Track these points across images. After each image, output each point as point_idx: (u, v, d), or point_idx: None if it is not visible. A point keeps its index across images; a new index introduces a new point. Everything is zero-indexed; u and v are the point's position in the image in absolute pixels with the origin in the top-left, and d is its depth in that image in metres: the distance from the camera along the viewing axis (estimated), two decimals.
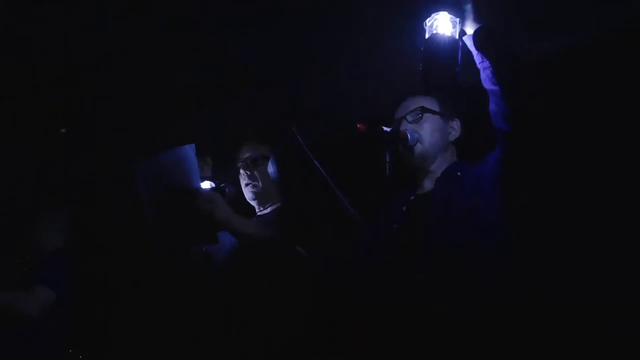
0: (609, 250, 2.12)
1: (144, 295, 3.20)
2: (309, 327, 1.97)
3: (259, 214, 2.25)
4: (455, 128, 1.90)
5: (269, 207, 2.22)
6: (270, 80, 2.87)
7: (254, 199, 2.23)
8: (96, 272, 3.11)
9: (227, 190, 2.14)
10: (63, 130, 2.93)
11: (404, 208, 1.82)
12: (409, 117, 1.87)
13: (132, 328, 3.27)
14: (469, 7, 1.65)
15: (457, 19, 1.68)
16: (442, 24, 1.68)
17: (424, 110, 1.87)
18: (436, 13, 1.69)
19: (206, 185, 2.15)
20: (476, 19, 1.64)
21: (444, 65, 1.64)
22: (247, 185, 2.21)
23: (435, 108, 1.89)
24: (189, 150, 1.96)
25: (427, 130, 1.85)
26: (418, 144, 1.83)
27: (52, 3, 2.36)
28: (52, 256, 2.81)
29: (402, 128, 1.84)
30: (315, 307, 2.00)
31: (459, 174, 1.77)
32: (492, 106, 1.61)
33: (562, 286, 2.14)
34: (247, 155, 2.22)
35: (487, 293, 1.56)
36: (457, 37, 1.67)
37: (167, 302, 2.86)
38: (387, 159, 1.71)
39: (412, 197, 1.86)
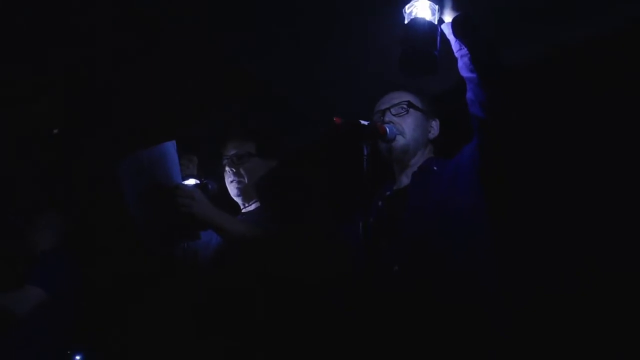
0: (590, 243, 2.11)
1: (140, 294, 3.21)
2: (294, 321, 1.96)
3: (243, 210, 2.23)
4: (434, 127, 1.94)
5: (253, 203, 2.20)
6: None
7: (239, 195, 2.21)
8: (92, 271, 3.12)
9: (209, 186, 2.11)
10: (55, 131, 2.95)
11: (380, 203, 1.84)
12: (393, 110, 1.89)
13: (127, 327, 3.28)
14: None
15: (436, 7, 1.69)
16: (421, 11, 1.68)
17: (410, 105, 1.88)
18: (415, 0, 1.69)
19: (191, 182, 2.13)
20: (454, 7, 1.64)
21: (423, 48, 1.65)
22: (232, 181, 2.20)
23: (419, 105, 1.91)
24: (170, 146, 1.95)
25: (411, 124, 1.87)
26: (399, 136, 1.84)
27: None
28: (47, 255, 2.82)
29: (386, 118, 1.86)
30: (302, 302, 1.99)
31: (435, 168, 1.79)
32: (468, 94, 1.62)
33: (544, 279, 2.14)
34: (232, 152, 2.21)
35: (465, 283, 1.57)
36: (435, 23, 1.68)
37: (161, 300, 2.86)
38: (365, 153, 1.70)
39: (388, 193, 1.87)
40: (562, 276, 2.12)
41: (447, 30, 1.65)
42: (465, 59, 1.60)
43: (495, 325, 1.55)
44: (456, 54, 1.64)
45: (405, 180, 1.84)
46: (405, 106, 1.87)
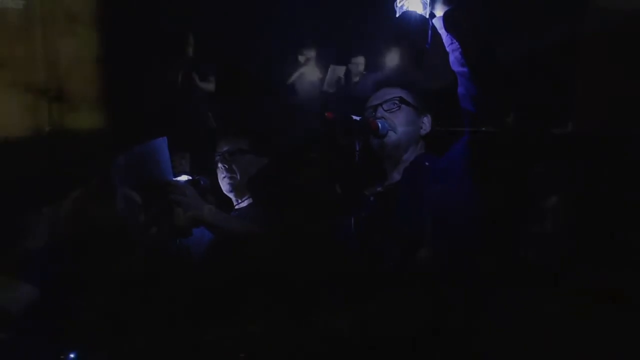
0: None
1: (133, 291, 3.20)
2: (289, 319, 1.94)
3: (236, 207, 2.23)
4: (426, 123, 1.92)
5: (245, 200, 2.20)
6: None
7: (231, 192, 2.21)
8: (84, 268, 3.12)
9: (202, 182, 2.10)
10: (48, 128, 2.95)
11: (372, 199, 1.84)
12: (385, 106, 1.88)
13: (122, 324, 3.27)
14: None
15: (428, 0, 1.69)
16: (412, 5, 1.70)
17: (402, 101, 1.88)
18: None
19: (183, 179, 2.12)
20: (446, 1, 1.65)
21: (415, 41, 1.70)
22: (224, 178, 2.20)
23: (411, 100, 1.90)
24: (162, 143, 1.95)
25: (402, 120, 1.86)
26: (391, 132, 1.83)
27: None
28: (42, 254, 2.82)
29: (378, 114, 1.86)
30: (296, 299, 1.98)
31: (427, 163, 1.79)
32: (460, 89, 1.63)
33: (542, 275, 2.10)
34: (225, 148, 2.20)
35: (460, 280, 1.57)
36: (427, 17, 1.69)
37: (155, 297, 2.85)
38: (356, 149, 1.73)
39: (379, 188, 1.87)
40: (560, 273, 2.12)
41: (438, 24, 1.65)
42: (457, 54, 1.60)
43: (493, 323, 1.55)
44: (447, 48, 1.64)
45: (396, 176, 1.84)
46: (397, 102, 1.86)
